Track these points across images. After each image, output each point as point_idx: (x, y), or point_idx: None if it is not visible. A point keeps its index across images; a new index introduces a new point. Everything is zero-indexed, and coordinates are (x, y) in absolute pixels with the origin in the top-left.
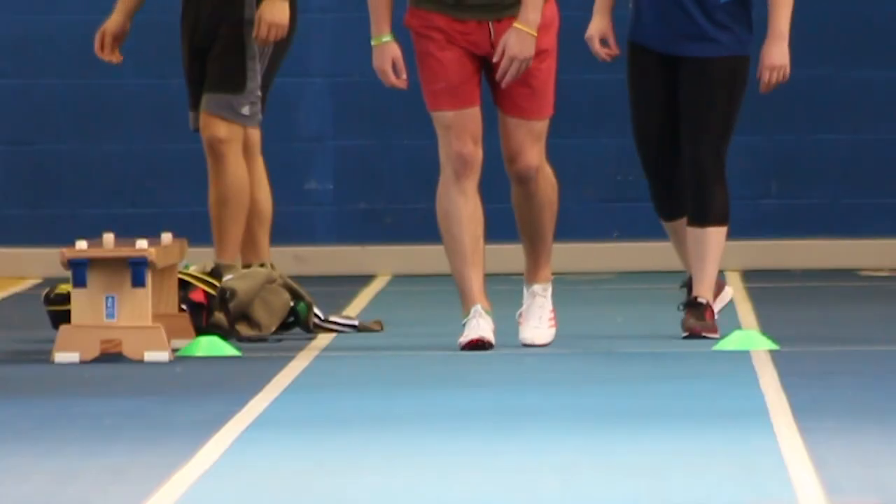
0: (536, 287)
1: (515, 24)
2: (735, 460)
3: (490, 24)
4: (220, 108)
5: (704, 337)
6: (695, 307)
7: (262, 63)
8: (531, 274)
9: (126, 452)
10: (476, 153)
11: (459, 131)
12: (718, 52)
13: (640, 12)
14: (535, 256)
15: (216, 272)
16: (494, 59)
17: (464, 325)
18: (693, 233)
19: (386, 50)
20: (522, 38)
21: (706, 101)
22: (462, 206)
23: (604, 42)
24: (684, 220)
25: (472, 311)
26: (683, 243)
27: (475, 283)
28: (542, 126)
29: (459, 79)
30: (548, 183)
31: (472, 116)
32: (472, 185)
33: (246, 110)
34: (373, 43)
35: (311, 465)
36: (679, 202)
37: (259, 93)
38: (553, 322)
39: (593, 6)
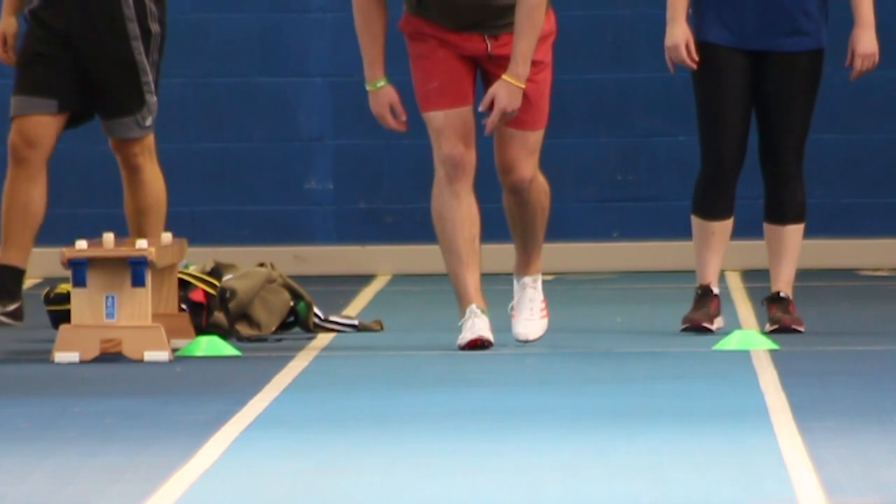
0: (527, 279)
1: (505, 77)
2: (735, 460)
3: (486, 37)
4: (128, 130)
5: (794, 330)
6: (779, 302)
7: (153, 73)
8: (522, 267)
9: (126, 452)
10: (468, 155)
11: (450, 134)
12: (808, 45)
13: (721, 11)
14: (526, 253)
15: (216, 272)
16: (481, 108)
17: (460, 326)
18: (773, 230)
19: (382, 94)
20: (511, 91)
21: (793, 98)
22: (455, 208)
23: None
24: (727, 223)
25: (468, 311)
26: (717, 250)
27: (471, 283)
28: (536, 137)
29: (452, 77)
30: (541, 190)
31: (464, 117)
32: (465, 186)
33: (149, 121)
34: (367, 88)
35: (311, 465)
36: (732, 201)
37: (155, 98)
38: (545, 313)
39: (667, 15)
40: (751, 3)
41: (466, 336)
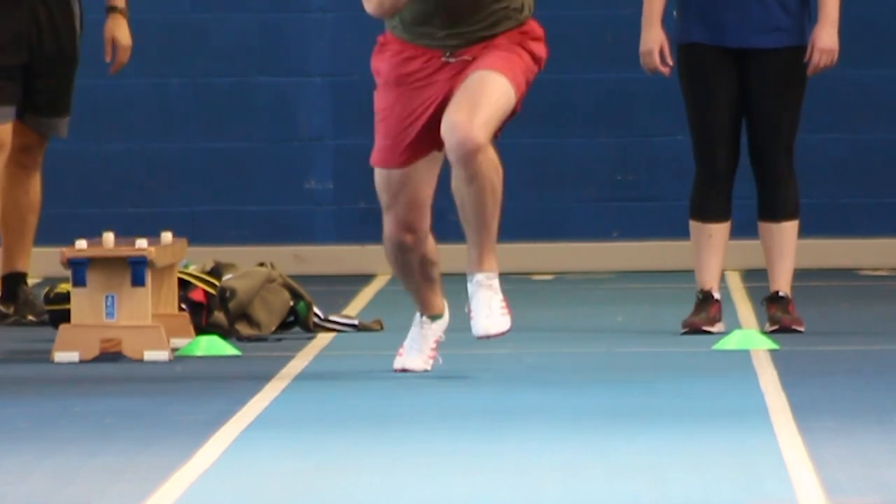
0: (480, 276)
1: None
2: (735, 460)
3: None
4: (65, 128)
5: (794, 330)
6: (778, 301)
7: None
8: (474, 263)
9: (126, 452)
10: (416, 239)
11: (392, 218)
12: (788, 41)
13: (703, 11)
14: (478, 245)
15: (216, 272)
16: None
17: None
18: (767, 228)
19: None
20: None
21: (778, 96)
22: (411, 258)
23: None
24: (725, 226)
25: (415, 319)
26: (716, 253)
27: (426, 296)
28: (498, 88)
29: (402, 136)
30: (490, 165)
31: (414, 194)
32: (415, 252)
33: None
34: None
35: (311, 465)
36: (730, 203)
37: None
38: (506, 310)
39: (642, 19)
40: (730, 1)
41: (397, 362)
